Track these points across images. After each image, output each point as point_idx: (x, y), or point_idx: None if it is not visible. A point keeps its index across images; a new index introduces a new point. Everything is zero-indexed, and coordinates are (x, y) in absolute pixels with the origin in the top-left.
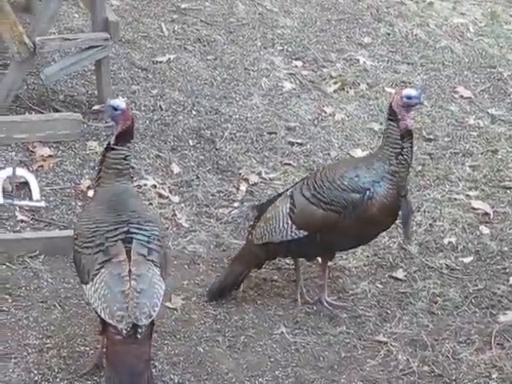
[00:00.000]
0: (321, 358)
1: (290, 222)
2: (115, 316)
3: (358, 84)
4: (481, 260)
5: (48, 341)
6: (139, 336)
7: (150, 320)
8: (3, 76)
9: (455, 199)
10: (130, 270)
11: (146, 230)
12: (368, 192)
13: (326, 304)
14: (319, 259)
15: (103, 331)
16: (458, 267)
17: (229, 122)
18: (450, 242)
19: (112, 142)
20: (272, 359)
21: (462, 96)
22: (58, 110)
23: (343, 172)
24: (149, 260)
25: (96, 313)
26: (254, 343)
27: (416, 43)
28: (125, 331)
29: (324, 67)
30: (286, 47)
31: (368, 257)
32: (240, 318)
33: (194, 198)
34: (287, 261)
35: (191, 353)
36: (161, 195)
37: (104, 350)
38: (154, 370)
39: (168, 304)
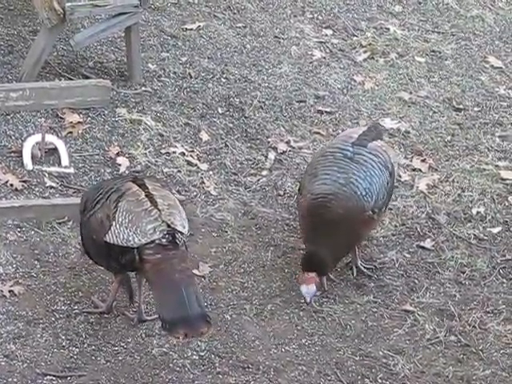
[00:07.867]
0: (347, 327)
1: None
2: (147, 231)
3: (388, 53)
4: (509, 230)
5: (76, 306)
6: (178, 242)
7: (185, 231)
8: (33, 42)
9: (484, 169)
10: (148, 195)
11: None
12: None
13: (354, 269)
14: None
15: (141, 262)
16: (486, 237)
17: (258, 90)
18: (478, 212)
19: None
20: (299, 327)
21: (492, 66)
22: (87, 77)
23: None
24: (166, 189)
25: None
26: (280, 311)
27: (447, 12)
28: (164, 240)
29: (354, 36)
30: (316, 15)
31: (396, 226)
32: (267, 286)
33: (223, 166)
34: None
35: (218, 320)
36: (189, 163)
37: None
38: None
39: (195, 271)
